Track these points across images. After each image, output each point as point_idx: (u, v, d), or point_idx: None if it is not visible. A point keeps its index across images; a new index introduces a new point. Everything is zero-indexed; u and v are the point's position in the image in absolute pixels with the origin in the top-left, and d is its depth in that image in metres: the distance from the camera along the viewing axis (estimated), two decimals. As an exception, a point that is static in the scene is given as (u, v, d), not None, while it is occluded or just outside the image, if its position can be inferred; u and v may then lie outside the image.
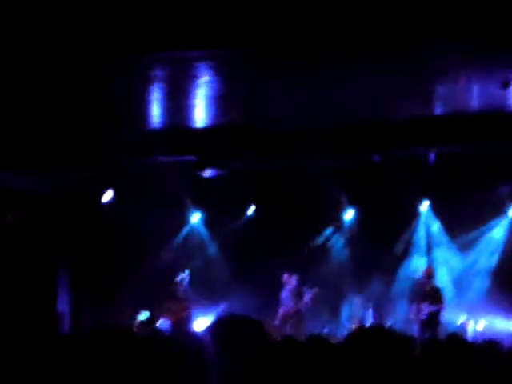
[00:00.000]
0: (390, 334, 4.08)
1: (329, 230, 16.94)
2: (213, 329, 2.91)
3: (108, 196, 15.87)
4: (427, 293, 14.39)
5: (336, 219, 16.82)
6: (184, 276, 15.37)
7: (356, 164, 14.65)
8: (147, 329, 13.96)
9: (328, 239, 16.95)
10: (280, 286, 15.13)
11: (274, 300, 15.14)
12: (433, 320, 14.11)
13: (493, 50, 8.93)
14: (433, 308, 14.14)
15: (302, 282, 15.12)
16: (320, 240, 16.84)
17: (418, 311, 14.27)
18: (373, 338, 3.42)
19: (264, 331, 2.94)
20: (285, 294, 15.05)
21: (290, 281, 14.97)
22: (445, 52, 9.01)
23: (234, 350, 2.77)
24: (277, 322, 14.66)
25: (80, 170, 14.48)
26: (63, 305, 15.69)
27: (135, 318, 15.36)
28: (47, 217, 15.53)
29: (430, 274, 14.67)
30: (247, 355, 2.78)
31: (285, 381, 2.88)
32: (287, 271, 15.09)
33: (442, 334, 12.93)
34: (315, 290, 14.86)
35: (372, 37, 8.36)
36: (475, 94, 11.44)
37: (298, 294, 14.90)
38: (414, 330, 13.90)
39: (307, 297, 14.81)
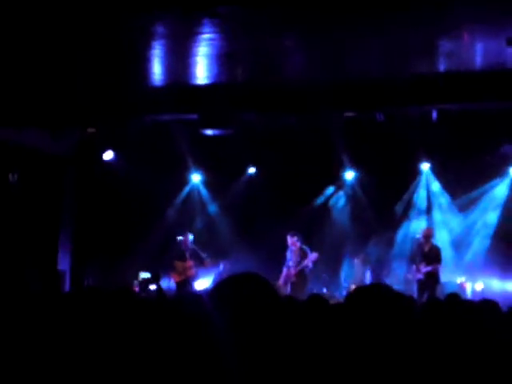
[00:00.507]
0: (388, 291, 4.08)
1: (329, 190, 16.89)
2: (221, 287, 2.90)
3: (108, 155, 15.86)
4: (426, 253, 14.43)
5: (337, 179, 16.80)
6: (186, 237, 15.39)
7: (359, 123, 14.60)
8: (149, 287, 14.06)
9: (328, 199, 16.92)
10: (282, 245, 15.14)
11: (275, 259, 15.17)
12: (430, 280, 14.16)
13: (497, 5, 8.85)
14: (429, 268, 14.18)
15: (303, 242, 15.12)
16: (321, 200, 16.80)
17: (417, 271, 14.33)
18: (371, 296, 3.40)
19: (274, 290, 2.94)
20: (289, 254, 15.08)
21: (294, 241, 14.98)
22: (448, 6, 8.93)
23: (244, 308, 2.76)
24: (281, 281, 14.72)
25: (82, 127, 14.46)
26: (64, 264, 15.75)
27: (137, 277, 15.46)
28: (50, 175, 15.53)
29: (428, 235, 14.67)
30: (257, 314, 2.77)
31: (286, 340, 2.88)
32: (290, 231, 15.07)
33: (440, 294, 12.97)
34: (316, 254, 14.88)
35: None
36: (479, 51, 11.34)
37: (301, 255, 14.92)
38: (413, 290, 13.91)
39: (309, 259, 14.84)
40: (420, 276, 14.21)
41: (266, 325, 2.76)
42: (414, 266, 14.44)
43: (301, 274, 14.87)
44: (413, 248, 14.96)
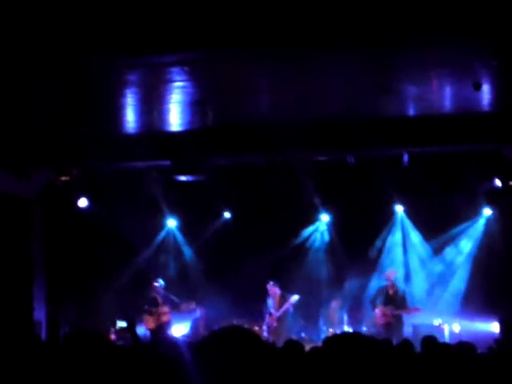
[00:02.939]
0: (363, 338, 4.11)
1: (308, 232, 16.95)
2: (210, 341, 2.91)
3: (83, 203, 15.81)
4: (391, 296, 14.46)
5: (312, 222, 16.86)
6: (159, 283, 15.32)
7: (332, 166, 14.73)
8: (126, 335, 13.91)
9: (304, 242, 16.95)
10: (257, 289, 15.19)
11: (250, 304, 15.19)
12: (397, 323, 14.20)
13: (462, 49, 9.02)
14: (397, 312, 14.23)
15: (281, 287, 15.21)
16: (298, 242, 16.83)
17: (383, 314, 14.32)
18: (346, 343, 3.43)
19: (262, 342, 2.95)
20: (270, 302, 15.17)
21: (274, 290, 15.09)
22: (415, 52, 9.09)
23: (235, 362, 2.77)
24: (264, 330, 14.82)
25: (56, 173, 14.42)
26: (40, 313, 15.57)
27: (114, 325, 15.31)
28: (23, 221, 15.42)
29: (390, 277, 14.73)
30: (248, 367, 2.79)
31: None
32: (270, 280, 15.14)
33: (418, 336, 12.96)
34: (297, 296, 14.97)
35: (344, 36, 8.42)
36: (448, 96, 11.55)
37: (281, 301, 15.03)
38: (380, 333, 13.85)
39: (290, 303, 14.95)
40: (388, 319, 14.22)
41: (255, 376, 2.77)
42: (377, 310, 14.44)
43: (282, 319, 14.93)
44: (376, 292, 14.95)
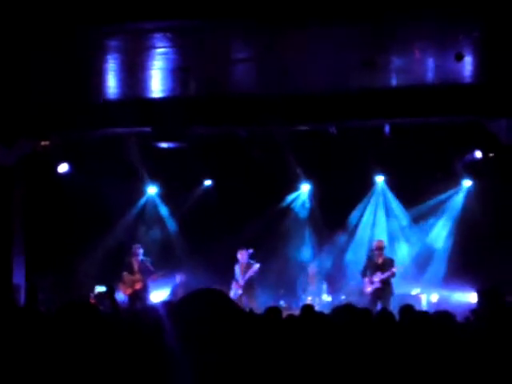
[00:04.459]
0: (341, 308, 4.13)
1: (285, 202, 16.98)
2: (186, 302, 2.92)
3: (63, 168, 15.74)
4: (379, 265, 14.54)
5: (293, 191, 16.91)
6: (136, 249, 15.33)
7: (312, 136, 14.75)
8: (105, 301, 13.91)
9: (284, 212, 16.99)
10: (235, 258, 15.28)
11: (229, 272, 15.26)
12: (386, 290, 14.28)
13: (445, 20, 9.02)
14: (385, 275, 14.31)
15: (257, 255, 15.27)
16: (276, 212, 16.85)
17: (371, 283, 14.42)
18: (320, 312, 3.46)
19: (237, 305, 2.97)
20: (237, 268, 15.23)
21: (243, 256, 15.17)
22: (401, 22, 9.08)
23: (207, 322, 2.79)
24: (231, 294, 14.80)
25: (35, 139, 14.33)
26: (19, 278, 15.53)
27: (93, 290, 15.33)
28: (4, 186, 15.33)
29: (380, 246, 14.79)
30: (220, 327, 2.80)
31: (247, 352, 2.91)
32: (241, 247, 15.21)
33: (395, 305, 13.06)
34: (257, 265, 15.06)
35: (329, 9, 8.40)
36: (430, 67, 11.56)
37: (247, 269, 15.10)
38: (366, 302, 13.92)
39: (252, 270, 15.03)
40: (377, 285, 14.31)
41: (231, 338, 2.79)
42: (366, 279, 14.54)
43: (247, 287, 15.01)
44: (365, 261, 15.02)
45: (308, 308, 7.35)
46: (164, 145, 13.79)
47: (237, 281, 15.17)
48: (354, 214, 16.71)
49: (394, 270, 14.39)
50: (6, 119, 13.16)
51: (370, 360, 4.79)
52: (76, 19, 8.59)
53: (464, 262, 15.37)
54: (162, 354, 2.98)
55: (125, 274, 15.05)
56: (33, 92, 12.17)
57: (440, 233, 16.27)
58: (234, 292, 14.96)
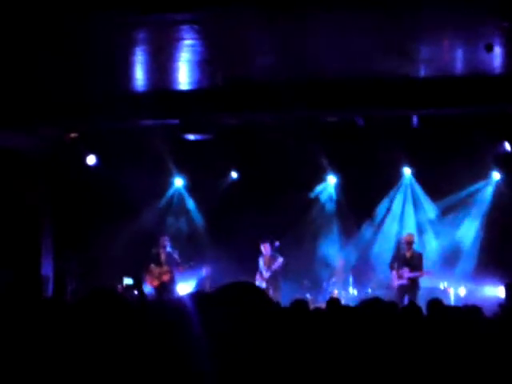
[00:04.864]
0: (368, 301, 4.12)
1: (311, 194, 16.92)
2: (220, 295, 2.91)
3: (91, 160, 15.82)
4: (408, 259, 14.47)
5: (320, 183, 16.85)
6: (163, 241, 15.37)
7: (339, 127, 14.69)
8: (132, 293, 13.98)
9: (310, 204, 16.93)
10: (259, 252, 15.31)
11: (254, 265, 15.28)
12: (412, 286, 14.22)
13: (476, 12, 8.94)
14: (413, 274, 14.25)
15: (280, 249, 15.26)
16: (302, 204, 16.78)
17: (399, 277, 14.36)
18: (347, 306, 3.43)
19: (269, 299, 2.96)
20: (260, 261, 15.23)
21: (266, 249, 15.16)
22: (430, 11, 9.01)
23: (240, 317, 2.78)
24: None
25: (64, 130, 14.42)
26: (47, 269, 15.66)
27: (121, 282, 15.39)
28: (32, 178, 15.45)
29: (410, 241, 14.71)
30: (252, 322, 2.80)
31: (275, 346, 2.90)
32: (263, 239, 15.24)
33: (422, 299, 12.98)
34: (282, 258, 15.06)
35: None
36: (459, 57, 11.46)
37: (271, 262, 15.09)
38: (393, 295, 13.90)
39: (276, 264, 15.02)
40: (403, 281, 14.24)
41: (261, 331, 2.78)
42: (394, 272, 14.47)
43: (272, 279, 15.00)
44: (394, 254, 14.95)
45: (334, 301, 7.34)
46: (191, 136, 13.81)
47: (261, 273, 15.18)
48: (381, 207, 16.60)
49: (425, 273, 14.33)
50: (34, 108, 13.23)
51: (397, 354, 4.76)
52: (105, 9, 8.62)
53: (493, 256, 15.23)
54: (189, 346, 2.98)
55: (152, 265, 15.11)
56: (62, 82, 12.22)
57: (469, 227, 16.10)
58: (259, 284, 14.96)
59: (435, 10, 8.93)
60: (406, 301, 13.49)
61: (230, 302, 2.83)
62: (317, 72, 12.01)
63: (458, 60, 11.60)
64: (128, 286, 14.78)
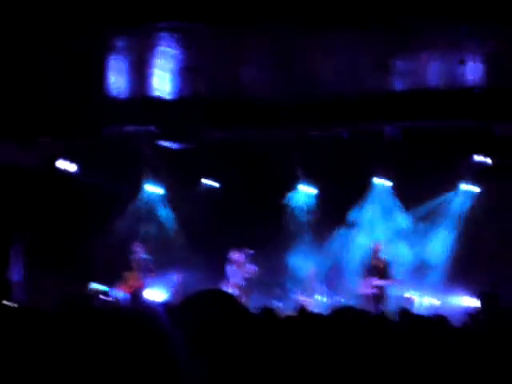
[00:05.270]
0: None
1: (286, 204, 16.97)
2: (190, 303, 2.93)
3: (62, 165, 15.70)
4: (377, 268, 14.57)
5: (294, 192, 16.92)
6: (136, 247, 15.34)
7: (319, 140, 14.76)
8: (103, 299, 13.97)
9: (284, 213, 16.98)
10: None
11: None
12: (382, 294, 14.32)
13: (452, 28, 9.05)
14: (382, 282, 14.34)
15: (253, 258, 15.27)
16: (276, 213, 16.82)
17: (368, 286, 14.44)
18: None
19: (242, 306, 2.99)
20: (230, 269, 15.21)
21: (237, 257, 15.13)
22: (407, 27, 9.11)
23: (213, 324, 2.80)
24: None
25: (41, 138, 14.36)
26: (17, 274, 15.55)
27: (90, 288, 15.30)
28: (1, 184, 15.35)
29: (377, 249, 14.82)
30: (223, 328, 2.82)
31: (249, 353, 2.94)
32: (235, 248, 15.25)
33: (392, 308, 13.09)
34: (254, 267, 15.04)
35: (336, 12, 8.44)
36: (436, 71, 11.57)
37: (243, 269, 15.09)
38: (362, 304, 13.97)
39: (247, 273, 15.05)
40: (372, 290, 14.33)
41: (235, 338, 2.81)
42: (363, 281, 14.55)
43: (245, 288, 15.06)
44: (363, 263, 15.02)
45: (304, 310, 7.36)
46: (167, 144, 13.81)
47: (228, 281, 15.15)
48: (354, 215, 16.69)
49: (393, 282, 14.43)
50: (9, 117, 13.16)
51: (369, 361, 4.80)
52: (86, 20, 8.62)
53: (463, 267, 15.36)
54: (165, 355, 3.00)
55: (125, 271, 15.06)
56: (39, 91, 12.18)
57: (440, 237, 16.22)
58: (231, 292, 14.92)
59: (414, 25, 9.02)
60: (377, 309, 13.59)
61: (201, 309, 2.85)
62: (300, 88, 12.08)
63: (435, 73, 11.71)
64: (99, 292, 14.73)
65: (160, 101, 13.02)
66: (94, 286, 15.20)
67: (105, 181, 15.30)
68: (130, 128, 14.14)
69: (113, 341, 3.61)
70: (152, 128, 13.63)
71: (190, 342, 2.78)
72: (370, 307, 13.83)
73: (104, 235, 16.24)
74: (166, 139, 13.57)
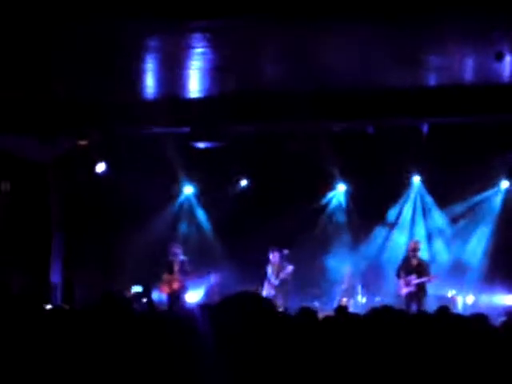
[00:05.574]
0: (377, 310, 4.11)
1: (321, 202, 16.92)
2: (223, 306, 2.93)
3: (101, 168, 15.81)
4: (414, 267, 14.45)
5: (329, 191, 16.86)
6: (175, 248, 15.35)
7: (349, 135, 14.70)
8: (142, 301, 14.01)
9: (320, 212, 16.92)
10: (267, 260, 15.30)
11: (263, 273, 15.28)
12: (420, 292, 14.20)
13: (486, 21, 8.95)
14: (420, 280, 14.22)
15: (289, 257, 15.23)
16: (312, 212, 16.77)
17: (407, 284, 14.32)
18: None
19: (274, 308, 2.98)
20: (269, 269, 15.20)
21: (275, 256, 15.12)
22: (440, 21, 9.03)
23: (248, 326, 2.80)
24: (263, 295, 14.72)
25: (75, 138, 14.47)
26: (56, 276, 15.70)
27: (129, 290, 15.36)
28: (42, 185, 15.50)
29: (415, 248, 14.69)
30: (260, 332, 2.81)
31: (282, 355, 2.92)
32: (272, 247, 15.22)
33: (431, 306, 12.96)
34: (292, 266, 15.01)
35: (368, 6, 8.40)
36: (469, 66, 11.47)
37: (280, 270, 15.05)
38: (401, 303, 13.86)
39: (285, 272, 14.99)
40: (411, 288, 14.21)
41: (268, 341, 2.80)
42: (401, 280, 14.43)
43: (281, 287, 14.98)
44: (400, 262, 14.88)
45: (342, 309, 7.33)
46: (201, 145, 13.83)
47: (269, 281, 15.15)
48: (391, 215, 16.59)
49: (432, 278, 14.32)
50: (39, 113, 13.28)
51: (405, 361, 4.77)
52: (117, 17, 8.67)
53: (501, 265, 15.22)
54: (196, 357, 2.99)
55: (164, 273, 15.09)
56: (73, 89, 12.28)
57: (478, 235, 16.06)
58: (268, 292, 14.93)
59: (446, 18, 8.95)
60: (414, 308, 13.49)
61: (235, 312, 2.84)
62: (328, 81, 12.03)
63: (469, 68, 11.61)
64: (137, 294, 14.78)
65: (189, 100, 13.07)
66: (135, 288, 15.25)
67: (140, 182, 15.33)
68: (160, 129, 14.20)
69: (148, 343, 3.62)
70: (182, 129, 13.67)
71: (224, 345, 2.77)
72: (409, 306, 13.74)
73: (142, 236, 16.32)
74: (197, 139, 13.58)
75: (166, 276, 15.05)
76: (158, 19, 8.75)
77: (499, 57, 9.89)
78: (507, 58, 10.23)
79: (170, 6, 8.43)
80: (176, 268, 15.11)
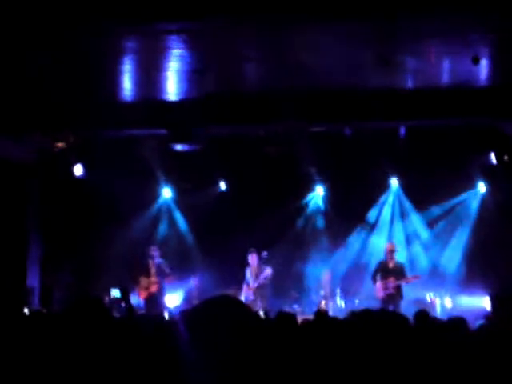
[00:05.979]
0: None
1: (298, 205, 16.92)
2: (199, 311, 2.91)
3: (78, 170, 15.71)
4: (391, 269, 14.48)
5: (307, 194, 16.87)
6: (153, 251, 15.27)
7: (327, 138, 14.72)
8: (120, 305, 13.91)
9: (297, 214, 16.92)
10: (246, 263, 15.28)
11: (242, 276, 15.23)
12: (397, 295, 14.24)
13: (462, 23, 9.01)
14: (399, 281, 14.26)
15: (267, 260, 15.20)
16: (289, 214, 16.75)
17: (385, 288, 14.34)
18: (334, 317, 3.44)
19: (252, 312, 2.96)
20: (247, 272, 15.18)
21: (253, 259, 15.08)
22: (416, 24, 9.07)
23: (221, 331, 2.78)
24: (242, 299, 14.70)
25: (51, 139, 14.38)
26: (33, 279, 15.58)
27: (108, 293, 15.25)
28: (19, 187, 15.39)
29: (391, 250, 14.70)
30: (238, 336, 2.79)
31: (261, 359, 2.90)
32: (251, 249, 15.18)
33: (409, 310, 12.96)
34: (268, 270, 14.98)
35: (345, 7, 8.41)
36: (446, 69, 11.53)
37: (258, 272, 15.03)
38: (379, 306, 13.84)
39: (263, 276, 14.95)
40: (389, 291, 14.24)
41: (246, 346, 2.78)
42: (378, 283, 14.45)
43: (260, 290, 14.94)
44: (376, 266, 14.87)
45: (322, 313, 7.33)
46: (179, 147, 13.79)
47: (248, 284, 15.11)
48: (369, 218, 16.62)
49: (413, 278, 14.37)
50: (22, 116, 13.19)
51: (385, 364, 4.76)
52: (93, 19, 8.63)
53: (479, 267, 15.28)
54: (175, 361, 2.97)
55: (141, 276, 15.00)
56: (50, 90, 12.20)
57: (455, 238, 16.13)
58: (246, 296, 14.88)
59: (422, 20, 8.99)
60: (392, 310, 13.50)
61: (213, 316, 2.82)
62: (305, 83, 12.04)
63: (445, 71, 11.67)
64: (115, 298, 14.68)
65: (166, 103, 13.04)
66: (114, 292, 15.12)
67: (118, 184, 15.26)
68: (138, 131, 14.17)
69: (124, 347, 3.60)
70: (160, 131, 13.64)
71: (202, 350, 2.75)
72: (387, 309, 13.73)
73: (121, 239, 16.24)
74: (175, 141, 13.54)
75: (143, 280, 14.94)
76: (132, 20, 8.72)
77: (476, 61, 9.93)
78: (483, 62, 10.30)
79: (143, 8, 8.41)
80: (153, 270, 15.02)
